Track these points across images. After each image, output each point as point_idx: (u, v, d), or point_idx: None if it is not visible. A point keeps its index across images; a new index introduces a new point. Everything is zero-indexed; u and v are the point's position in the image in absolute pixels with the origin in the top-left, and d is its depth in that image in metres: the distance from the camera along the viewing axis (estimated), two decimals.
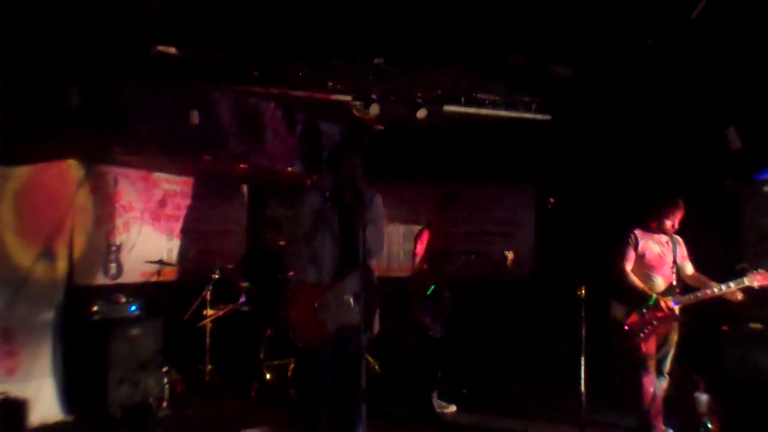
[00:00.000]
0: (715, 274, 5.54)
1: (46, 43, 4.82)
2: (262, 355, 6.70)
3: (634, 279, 5.59)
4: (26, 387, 5.78)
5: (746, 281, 5.33)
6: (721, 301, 5.48)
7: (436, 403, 6.36)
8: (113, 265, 7.01)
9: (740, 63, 5.22)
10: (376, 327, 4.60)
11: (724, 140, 6.18)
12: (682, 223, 5.69)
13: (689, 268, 5.73)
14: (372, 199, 4.52)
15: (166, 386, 6.46)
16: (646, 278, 5.60)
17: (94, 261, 6.81)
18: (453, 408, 6.40)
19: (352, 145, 4.68)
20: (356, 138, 6.02)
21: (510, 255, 6.13)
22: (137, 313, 6.52)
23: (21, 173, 5.95)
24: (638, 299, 5.53)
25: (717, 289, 5.39)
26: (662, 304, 5.44)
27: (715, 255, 6.37)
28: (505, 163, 7.65)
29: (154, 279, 7.09)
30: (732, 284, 5.37)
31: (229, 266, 7.22)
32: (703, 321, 5.86)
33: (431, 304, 6.24)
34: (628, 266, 5.64)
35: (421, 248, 6.34)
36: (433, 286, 6.21)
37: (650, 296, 5.47)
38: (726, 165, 6.60)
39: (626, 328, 5.56)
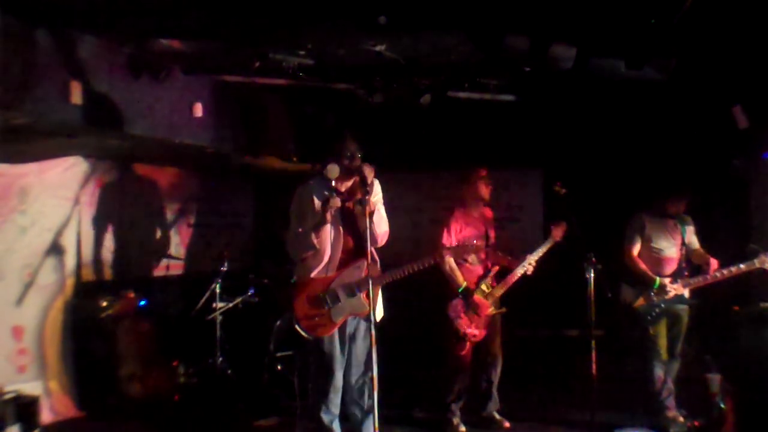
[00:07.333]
0: (724, 255, 5.51)
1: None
2: (272, 347, 6.69)
3: (640, 263, 5.62)
4: (38, 384, 5.82)
5: (757, 263, 5.31)
6: (731, 281, 5.46)
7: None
8: (122, 261, 7.01)
9: (747, 41, 5.16)
10: (380, 313, 4.60)
11: (731, 119, 6.13)
12: (690, 203, 5.68)
13: (695, 244, 5.76)
14: (371, 185, 4.49)
15: (177, 380, 6.48)
16: (655, 262, 5.61)
17: (102, 257, 6.82)
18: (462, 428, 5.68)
19: (351, 132, 4.62)
20: (355, 125, 5.94)
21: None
22: (146, 307, 6.53)
23: (27, 170, 5.97)
24: (645, 283, 5.54)
25: (726, 271, 5.37)
26: (668, 287, 5.45)
27: (723, 235, 6.33)
28: (511, 148, 7.59)
29: (162, 273, 7.09)
30: (743, 266, 5.34)
31: (237, 259, 7.21)
32: (714, 301, 5.84)
33: (465, 302, 5.49)
34: (635, 250, 5.66)
35: (448, 234, 5.56)
36: (464, 284, 5.48)
37: (654, 280, 5.48)
38: (733, 144, 6.54)
39: (635, 310, 5.56)
